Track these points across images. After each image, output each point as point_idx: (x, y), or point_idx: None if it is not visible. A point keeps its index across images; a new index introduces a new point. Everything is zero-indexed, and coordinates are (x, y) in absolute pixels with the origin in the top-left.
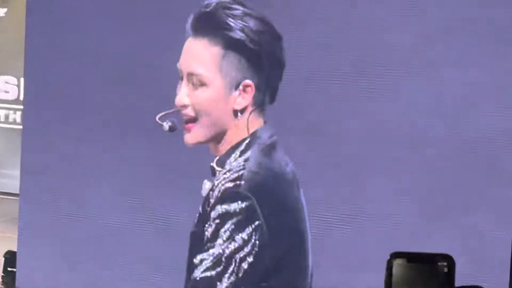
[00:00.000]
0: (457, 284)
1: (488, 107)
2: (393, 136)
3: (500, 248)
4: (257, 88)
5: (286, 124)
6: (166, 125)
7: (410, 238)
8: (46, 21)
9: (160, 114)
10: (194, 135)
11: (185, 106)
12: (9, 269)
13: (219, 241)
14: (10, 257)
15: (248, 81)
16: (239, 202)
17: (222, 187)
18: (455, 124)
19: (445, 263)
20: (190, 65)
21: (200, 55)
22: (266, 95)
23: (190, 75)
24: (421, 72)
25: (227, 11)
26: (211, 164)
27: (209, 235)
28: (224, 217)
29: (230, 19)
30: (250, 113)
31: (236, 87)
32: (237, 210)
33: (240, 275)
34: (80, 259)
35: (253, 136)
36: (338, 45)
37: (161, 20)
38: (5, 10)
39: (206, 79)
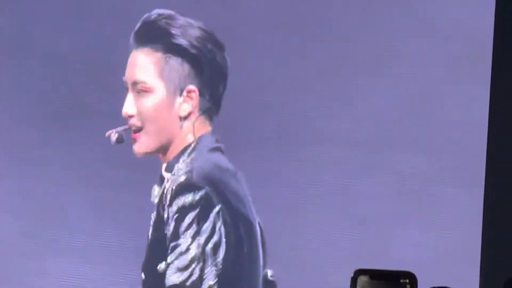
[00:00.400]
0: None
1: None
2: (350, 140)
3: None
4: (201, 93)
5: (233, 134)
6: (113, 137)
7: (378, 243)
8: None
9: (109, 132)
10: (141, 144)
11: (131, 116)
12: None
13: (185, 237)
14: None
15: (191, 87)
16: (195, 192)
17: (173, 186)
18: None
19: (407, 280)
20: (134, 74)
21: (142, 63)
22: (210, 102)
23: (134, 84)
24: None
25: (168, 21)
26: (161, 172)
27: (170, 234)
28: (183, 210)
29: (171, 27)
30: (196, 118)
31: (180, 93)
32: (194, 201)
33: (220, 265)
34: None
35: (200, 140)
36: (287, 53)
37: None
38: None
39: (150, 85)
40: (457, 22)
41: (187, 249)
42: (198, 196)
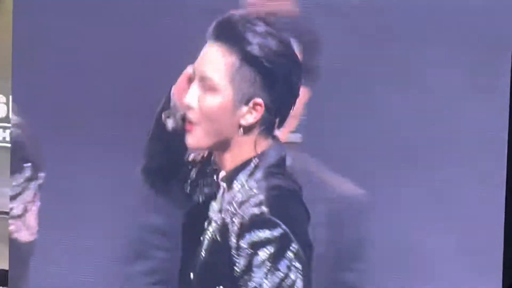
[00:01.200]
0: None
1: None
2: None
3: None
4: (267, 108)
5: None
6: (170, 125)
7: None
8: (35, 23)
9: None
10: (195, 138)
11: (191, 108)
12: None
13: (259, 272)
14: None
15: (258, 100)
16: (270, 229)
17: (245, 213)
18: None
19: None
20: (204, 69)
21: (215, 61)
22: (276, 118)
23: (203, 78)
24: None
25: (250, 26)
26: (216, 179)
27: (241, 267)
28: (257, 245)
29: (251, 33)
30: (259, 133)
31: (246, 103)
32: (271, 237)
33: None
34: (82, 277)
35: (262, 156)
36: (353, 68)
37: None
38: None
39: (218, 86)
40: (476, 30)
41: (260, 286)
42: (275, 233)
